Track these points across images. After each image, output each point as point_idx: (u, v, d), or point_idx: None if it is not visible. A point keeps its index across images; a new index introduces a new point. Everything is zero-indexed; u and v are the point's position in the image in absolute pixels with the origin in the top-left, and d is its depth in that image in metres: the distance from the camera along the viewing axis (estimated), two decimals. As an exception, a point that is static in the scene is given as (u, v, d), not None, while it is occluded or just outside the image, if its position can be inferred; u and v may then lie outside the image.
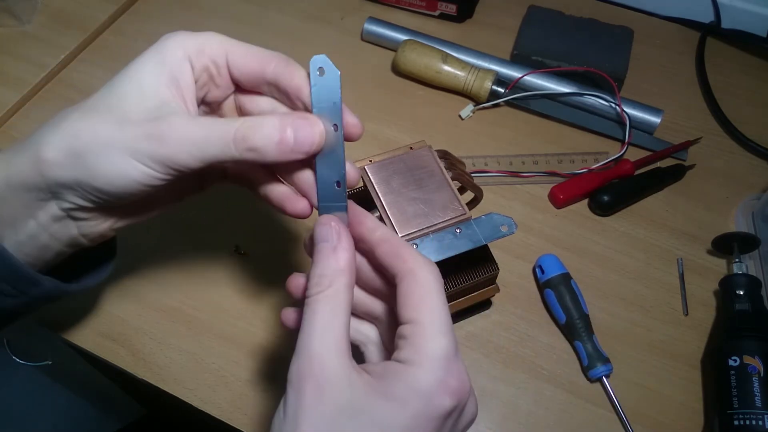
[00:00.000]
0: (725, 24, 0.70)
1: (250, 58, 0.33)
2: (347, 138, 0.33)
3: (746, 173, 0.60)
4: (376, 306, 0.34)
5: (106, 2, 0.70)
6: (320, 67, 0.31)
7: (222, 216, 0.54)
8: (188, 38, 0.32)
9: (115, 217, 0.35)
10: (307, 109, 0.32)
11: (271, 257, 0.52)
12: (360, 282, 0.33)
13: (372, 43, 0.68)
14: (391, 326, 0.33)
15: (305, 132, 0.31)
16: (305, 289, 0.30)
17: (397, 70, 0.64)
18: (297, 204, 0.35)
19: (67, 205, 0.32)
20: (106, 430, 1.04)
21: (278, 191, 0.36)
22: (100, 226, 0.35)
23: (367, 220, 0.32)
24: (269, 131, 0.30)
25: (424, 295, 0.29)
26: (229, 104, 0.36)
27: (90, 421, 1.06)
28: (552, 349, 0.49)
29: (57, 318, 0.48)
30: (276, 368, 0.47)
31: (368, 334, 0.34)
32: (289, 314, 0.34)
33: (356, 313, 0.34)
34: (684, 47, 0.70)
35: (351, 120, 0.33)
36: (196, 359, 0.47)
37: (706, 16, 0.71)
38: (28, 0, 0.68)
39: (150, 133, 0.30)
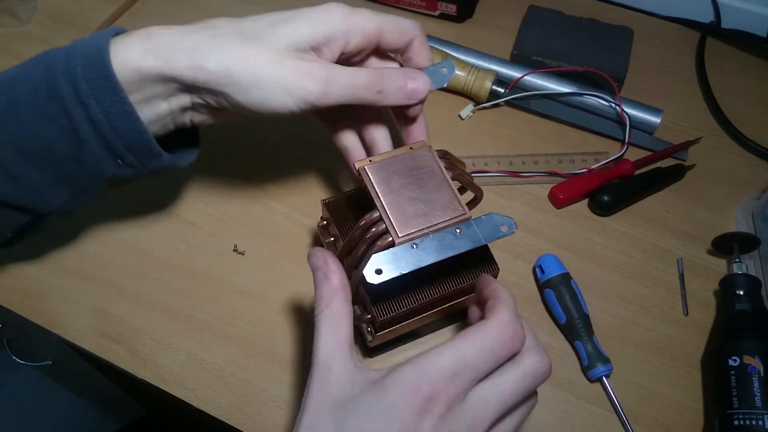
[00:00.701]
0: (725, 24, 0.70)
1: (398, 37, 0.41)
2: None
3: (746, 173, 0.60)
4: None
5: (106, 2, 0.70)
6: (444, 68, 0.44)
7: (223, 216, 0.54)
8: (351, 16, 0.39)
9: (227, 118, 0.42)
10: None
11: (272, 257, 0.52)
12: None
13: (372, 43, 0.68)
14: None
15: (419, 84, 0.42)
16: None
17: (397, 70, 0.64)
18: (356, 156, 0.46)
19: (199, 102, 0.39)
20: (106, 430, 1.04)
21: (349, 141, 0.46)
22: (212, 120, 0.41)
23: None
24: (397, 80, 0.40)
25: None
26: None
27: (90, 421, 1.06)
28: (552, 349, 0.49)
29: (57, 318, 0.48)
30: (276, 368, 0.47)
31: None
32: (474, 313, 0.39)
33: None
34: (684, 47, 0.70)
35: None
36: (196, 359, 0.47)
37: (706, 16, 0.71)
38: (28, 0, 0.68)
39: (305, 72, 0.37)
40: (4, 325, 0.81)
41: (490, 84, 0.61)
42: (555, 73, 0.63)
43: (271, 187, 0.56)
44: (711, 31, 0.70)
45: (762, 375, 0.43)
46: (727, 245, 0.52)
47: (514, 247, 0.53)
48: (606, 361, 0.47)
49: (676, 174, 0.58)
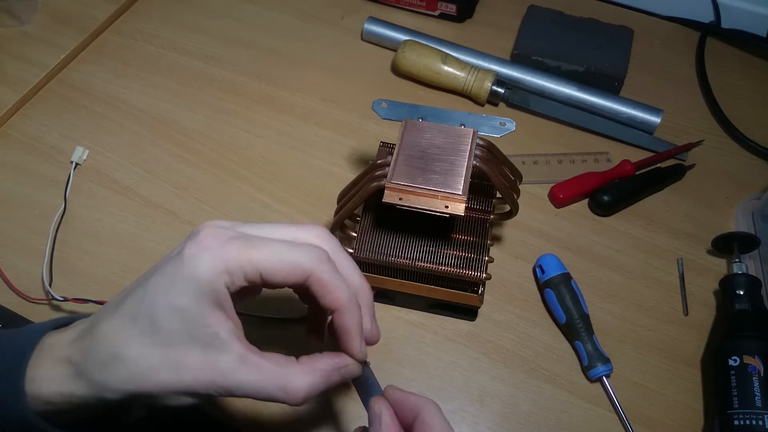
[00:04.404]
0: (725, 24, 0.70)
1: (280, 272, 0.32)
2: None
3: (746, 173, 0.60)
4: None
5: (106, 2, 0.70)
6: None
7: (222, 216, 0.54)
8: (218, 261, 0.31)
9: None
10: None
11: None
12: None
13: (372, 43, 0.68)
14: None
15: (348, 373, 0.34)
16: None
17: (397, 71, 0.65)
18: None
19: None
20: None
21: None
22: None
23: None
24: (311, 386, 0.32)
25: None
26: None
27: (90, 421, 1.06)
28: (552, 349, 0.49)
29: (57, 318, 0.48)
30: (276, 368, 0.47)
31: None
32: None
33: None
34: (684, 47, 0.70)
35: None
36: (196, 359, 0.47)
37: (706, 16, 0.71)
38: (28, 0, 0.68)
39: (205, 385, 0.31)
40: (4, 326, 0.81)
41: (489, 84, 0.61)
42: (555, 73, 0.63)
43: (269, 187, 0.56)
44: (711, 31, 0.70)
45: (762, 375, 0.43)
46: (727, 245, 0.52)
47: (514, 247, 0.53)
48: (606, 361, 0.47)
49: (676, 174, 0.58)
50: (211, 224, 0.33)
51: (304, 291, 0.34)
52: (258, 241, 0.32)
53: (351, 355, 0.34)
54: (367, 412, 0.33)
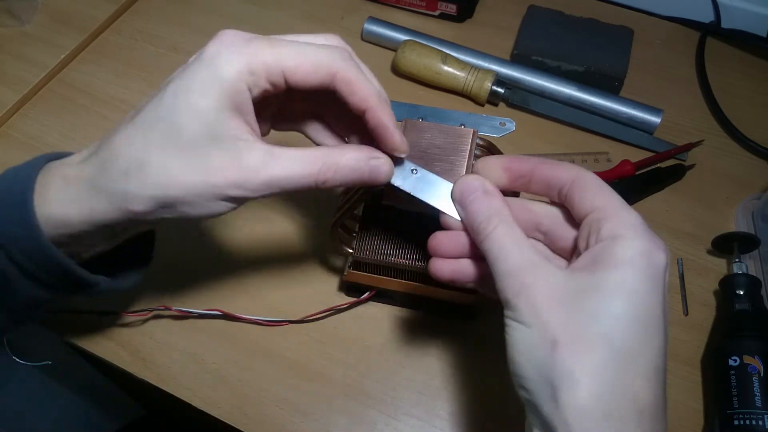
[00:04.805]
0: (725, 24, 0.70)
1: (304, 70, 0.31)
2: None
3: (746, 173, 0.60)
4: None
5: (106, 2, 0.70)
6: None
7: (221, 218, 0.54)
8: (241, 58, 0.30)
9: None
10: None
11: (270, 259, 0.52)
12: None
13: (372, 43, 0.68)
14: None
15: (378, 168, 0.33)
16: (469, 243, 0.33)
17: (397, 71, 0.65)
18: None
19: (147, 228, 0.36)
20: (106, 430, 1.04)
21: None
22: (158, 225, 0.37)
23: (512, 160, 0.33)
24: (349, 169, 0.32)
25: (598, 186, 0.30)
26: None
27: (90, 421, 1.06)
28: (552, 349, 0.48)
29: (57, 318, 0.48)
30: (276, 368, 0.47)
31: None
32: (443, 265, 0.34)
33: None
34: (684, 47, 0.70)
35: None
36: (196, 359, 0.47)
37: (706, 16, 0.71)
38: (28, 0, 0.68)
39: (236, 183, 0.30)
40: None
41: (489, 84, 0.61)
42: (555, 73, 0.63)
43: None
44: (711, 31, 0.70)
45: (762, 375, 0.43)
46: (727, 245, 0.52)
47: (514, 247, 0.53)
48: (606, 361, 0.46)
49: (676, 174, 0.58)
50: (231, 29, 0.31)
51: (323, 101, 0.35)
52: (281, 40, 0.31)
53: (394, 149, 0.33)
54: (438, 210, 0.34)
